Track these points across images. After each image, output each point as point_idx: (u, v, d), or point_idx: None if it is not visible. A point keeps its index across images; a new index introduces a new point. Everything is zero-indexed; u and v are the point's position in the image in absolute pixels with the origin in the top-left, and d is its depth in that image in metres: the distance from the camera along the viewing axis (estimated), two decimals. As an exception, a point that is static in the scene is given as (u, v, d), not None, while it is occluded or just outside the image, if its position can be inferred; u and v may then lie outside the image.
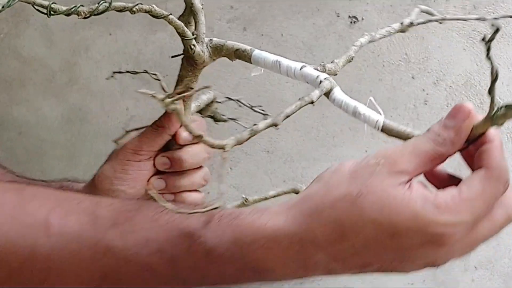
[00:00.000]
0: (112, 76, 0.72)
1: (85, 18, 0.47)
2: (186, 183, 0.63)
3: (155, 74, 0.64)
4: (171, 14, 0.56)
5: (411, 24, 0.66)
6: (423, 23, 0.68)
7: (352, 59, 0.60)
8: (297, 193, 0.74)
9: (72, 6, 0.46)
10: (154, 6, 0.54)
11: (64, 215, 0.43)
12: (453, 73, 1.33)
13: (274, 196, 0.73)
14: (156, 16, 0.53)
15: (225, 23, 1.28)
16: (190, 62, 0.62)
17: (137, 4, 0.51)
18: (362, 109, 0.52)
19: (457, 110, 0.45)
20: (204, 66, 0.63)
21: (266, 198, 0.73)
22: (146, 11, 0.53)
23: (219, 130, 1.37)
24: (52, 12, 0.45)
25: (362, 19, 1.28)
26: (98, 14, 0.48)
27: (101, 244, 0.42)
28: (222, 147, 0.45)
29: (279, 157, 1.34)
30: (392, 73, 1.33)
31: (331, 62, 0.59)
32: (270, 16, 1.29)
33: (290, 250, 0.42)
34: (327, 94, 0.53)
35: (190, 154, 0.64)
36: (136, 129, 0.68)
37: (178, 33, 0.58)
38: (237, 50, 0.62)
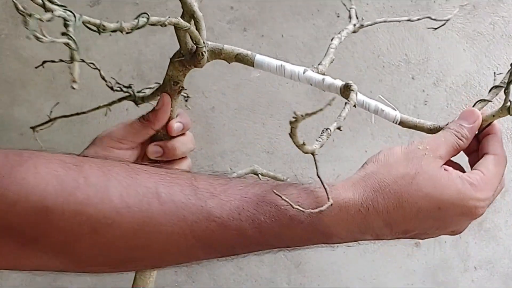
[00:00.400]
0: (111, 85, 0.75)
1: (127, 33, 0.52)
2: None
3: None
4: (192, 26, 0.59)
5: (362, 26, 0.76)
6: (371, 24, 0.78)
7: (333, 60, 0.67)
8: (255, 174, 0.84)
9: (118, 22, 0.51)
10: (180, 19, 0.58)
11: (169, 186, 0.50)
12: (453, 74, 1.33)
13: (238, 177, 0.80)
14: (180, 27, 0.58)
15: (225, 24, 1.28)
16: (183, 64, 0.65)
17: (167, 18, 0.55)
18: (383, 106, 0.62)
19: (470, 114, 0.57)
20: (196, 67, 0.66)
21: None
22: (173, 24, 0.56)
23: (220, 130, 1.38)
24: (102, 30, 0.49)
25: (362, 19, 1.28)
26: (138, 28, 0.53)
27: (203, 211, 0.49)
28: (312, 152, 0.53)
29: (279, 157, 1.34)
30: (392, 74, 1.33)
31: (319, 64, 0.65)
32: (270, 17, 1.30)
33: (356, 217, 0.51)
34: (344, 93, 0.59)
35: (181, 143, 0.68)
36: (65, 116, 0.77)
37: (193, 41, 0.61)
38: (238, 54, 0.65)
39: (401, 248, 1.40)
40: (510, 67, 0.56)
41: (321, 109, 0.50)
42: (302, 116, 0.49)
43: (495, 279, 1.41)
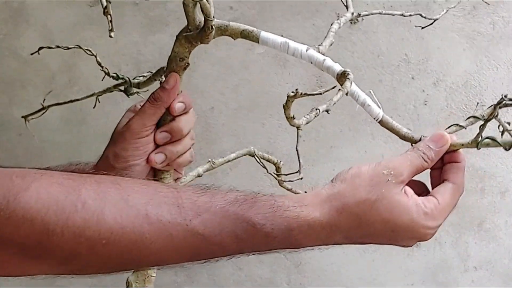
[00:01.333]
0: (112, 75, 0.75)
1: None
2: (181, 149, 0.72)
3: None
4: None
5: (359, 15, 0.79)
6: (367, 15, 0.81)
7: (332, 43, 0.71)
8: (251, 155, 0.89)
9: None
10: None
11: (158, 207, 0.55)
12: (453, 74, 1.33)
13: (235, 158, 0.88)
14: None
15: (225, 24, 1.28)
16: (189, 40, 0.67)
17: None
18: (370, 101, 0.65)
19: (439, 138, 0.62)
20: (201, 44, 0.67)
21: (229, 160, 0.88)
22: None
23: (219, 130, 1.38)
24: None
25: (362, 19, 1.28)
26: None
27: (187, 229, 0.56)
28: (298, 126, 0.58)
29: (278, 157, 1.33)
30: (392, 74, 1.33)
31: (320, 45, 0.69)
32: (270, 17, 1.30)
33: (321, 233, 0.59)
34: (340, 79, 0.63)
35: (184, 121, 0.71)
36: (57, 104, 0.80)
37: (204, 13, 0.64)
38: (243, 30, 0.67)
39: (401, 248, 1.40)
40: (492, 106, 0.59)
41: (320, 93, 0.56)
42: (301, 93, 0.54)
43: (495, 279, 1.41)
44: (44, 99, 0.81)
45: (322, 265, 1.40)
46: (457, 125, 0.63)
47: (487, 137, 0.59)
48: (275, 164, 0.92)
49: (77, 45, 0.77)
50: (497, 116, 0.60)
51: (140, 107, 0.70)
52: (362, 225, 0.59)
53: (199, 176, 0.83)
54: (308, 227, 0.58)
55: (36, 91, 1.31)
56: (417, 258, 1.40)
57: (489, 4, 1.26)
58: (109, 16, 0.46)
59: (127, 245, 0.55)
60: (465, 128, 0.63)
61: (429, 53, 1.32)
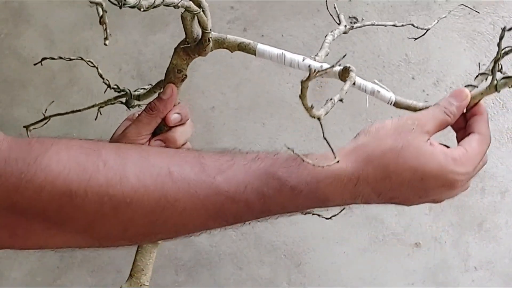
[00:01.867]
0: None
1: (144, 11, 0.60)
2: None
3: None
4: (201, 11, 0.63)
5: (352, 28, 0.82)
6: (360, 26, 0.84)
7: (328, 53, 0.73)
8: None
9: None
10: (191, 2, 0.62)
11: (180, 165, 0.54)
12: (453, 74, 1.33)
13: (241, 153, 0.86)
14: (191, 11, 0.62)
15: (225, 24, 1.28)
16: (187, 53, 0.68)
17: (181, 1, 0.59)
18: (378, 88, 0.65)
19: (459, 93, 0.62)
20: (199, 56, 0.69)
21: None
22: (185, 7, 0.61)
23: (220, 129, 1.37)
24: (123, 4, 0.54)
25: (362, 19, 1.28)
26: (155, 7, 0.60)
27: (212, 187, 0.54)
28: (318, 117, 0.58)
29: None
30: (392, 74, 1.33)
31: (316, 56, 0.70)
32: (271, 17, 1.30)
33: (348, 185, 0.56)
34: (343, 76, 0.64)
35: (180, 132, 0.72)
36: (60, 114, 0.82)
37: (201, 26, 0.65)
38: (240, 43, 0.68)
39: (401, 248, 1.40)
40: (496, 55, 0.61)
41: (332, 66, 0.57)
42: (314, 71, 0.52)
43: (495, 279, 1.41)
44: (46, 109, 0.81)
45: (322, 265, 1.40)
46: (469, 85, 0.63)
47: (503, 77, 0.59)
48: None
49: (80, 57, 0.79)
50: (505, 54, 0.61)
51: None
52: (390, 175, 0.57)
53: None
54: (334, 178, 0.56)
55: (36, 91, 1.31)
56: (417, 258, 1.40)
57: (478, 12, 1.26)
58: (104, 25, 0.47)
59: (151, 204, 0.53)
60: (477, 87, 0.63)
61: (430, 53, 1.32)
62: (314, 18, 1.29)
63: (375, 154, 0.57)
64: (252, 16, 1.29)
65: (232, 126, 1.34)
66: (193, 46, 0.67)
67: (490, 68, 0.61)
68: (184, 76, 0.70)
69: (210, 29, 0.65)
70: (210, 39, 0.66)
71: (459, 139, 0.62)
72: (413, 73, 1.33)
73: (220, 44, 0.68)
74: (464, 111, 0.62)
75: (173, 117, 0.71)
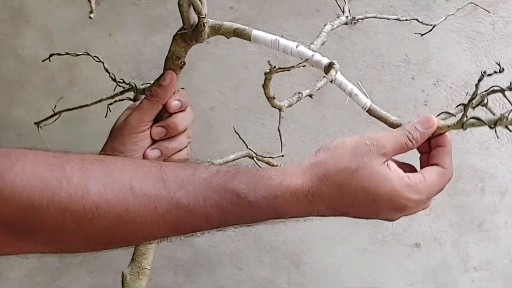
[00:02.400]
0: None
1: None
2: (176, 145, 0.75)
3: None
4: None
5: (354, 18, 0.81)
6: (362, 18, 0.84)
7: (324, 42, 0.73)
8: (251, 157, 0.91)
9: None
10: None
11: (142, 181, 0.56)
12: (453, 74, 1.33)
13: (234, 160, 0.90)
14: None
15: (225, 24, 1.28)
16: (185, 40, 0.70)
17: None
18: (357, 91, 0.66)
19: (426, 120, 0.63)
20: (197, 43, 0.71)
21: (228, 161, 0.89)
22: None
23: (219, 130, 1.37)
24: None
25: (362, 20, 1.28)
26: None
27: (172, 202, 0.56)
28: (279, 108, 0.58)
29: (279, 158, 1.34)
30: (392, 74, 1.33)
31: (311, 44, 0.71)
32: (270, 17, 1.30)
33: (303, 201, 0.59)
34: (327, 70, 0.65)
35: (180, 118, 0.74)
36: (69, 110, 0.82)
37: (196, 11, 0.66)
38: (236, 29, 0.69)
39: (401, 248, 1.40)
40: (474, 87, 0.63)
41: (293, 67, 0.58)
42: (274, 67, 0.56)
43: (495, 279, 1.41)
44: (56, 105, 0.82)
45: (322, 265, 1.40)
46: (447, 112, 0.65)
47: (472, 117, 0.60)
48: (273, 166, 0.92)
49: (86, 52, 0.79)
50: (484, 101, 0.63)
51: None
52: (343, 194, 0.59)
53: None
54: (290, 195, 0.58)
55: (36, 91, 1.31)
56: (417, 258, 1.40)
57: (488, 12, 1.26)
58: None
59: (112, 219, 0.55)
60: (454, 116, 0.64)
61: (429, 53, 1.32)
62: (314, 18, 1.29)
63: (331, 173, 0.59)
64: (252, 16, 1.29)
65: (231, 126, 1.34)
66: (190, 33, 0.68)
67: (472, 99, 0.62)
68: (182, 63, 0.72)
69: (205, 14, 0.67)
70: (205, 24, 0.67)
71: (422, 163, 0.64)
72: (413, 73, 1.33)
73: (217, 30, 0.69)
74: (427, 137, 0.63)
75: (174, 103, 0.73)
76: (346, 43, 1.30)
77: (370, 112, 0.66)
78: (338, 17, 0.79)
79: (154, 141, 0.74)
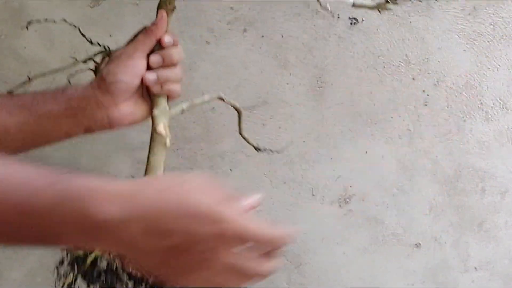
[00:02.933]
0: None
1: None
2: (171, 75, 0.82)
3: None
4: None
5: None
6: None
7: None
8: (220, 99, 0.94)
9: None
10: None
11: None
12: (454, 74, 1.33)
13: (208, 102, 0.92)
14: None
15: (225, 25, 1.28)
16: None
17: None
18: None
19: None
20: None
21: (204, 102, 0.92)
22: None
23: (220, 130, 1.37)
24: None
25: (362, 20, 1.28)
26: None
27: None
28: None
29: (279, 159, 1.34)
30: (392, 74, 1.33)
31: None
32: (271, 18, 1.29)
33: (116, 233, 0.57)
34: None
35: (175, 51, 0.83)
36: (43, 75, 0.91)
37: None
38: None
39: (401, 248, 1.40)
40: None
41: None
42: None
43: (495, 279, 1.41)
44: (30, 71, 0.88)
45: (322, 266, 1.40)
46: None
47: None
48: (238, 111, 0.99)
49: (63, 19, 0.93)
50: None
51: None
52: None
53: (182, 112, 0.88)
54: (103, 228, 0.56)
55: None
56: (417, 258, 1.41)
57: (487, 9, 1.26)
58: None
59: None
60: None
61: (430, 54, 1.32)
62: (314, 19, 1.29)
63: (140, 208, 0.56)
64: (252, 17, 1.29)
65: (232, 127, 1.34)
66: None
67: None
68: (173, 7, 0.80)
69: None
70: None
71: None
72: (413, 73, 1.33)
73: None
74: None
75: (167, 39, 0.82)
76: (346, 43, 1.30)
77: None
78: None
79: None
